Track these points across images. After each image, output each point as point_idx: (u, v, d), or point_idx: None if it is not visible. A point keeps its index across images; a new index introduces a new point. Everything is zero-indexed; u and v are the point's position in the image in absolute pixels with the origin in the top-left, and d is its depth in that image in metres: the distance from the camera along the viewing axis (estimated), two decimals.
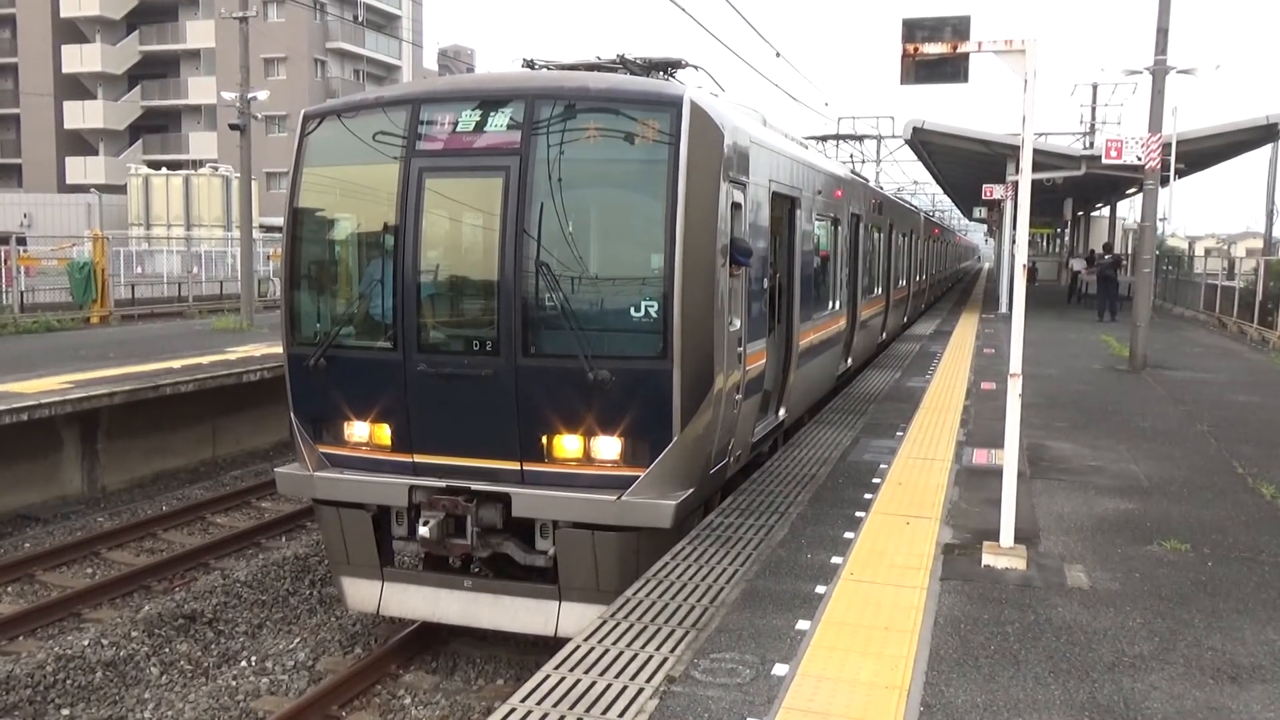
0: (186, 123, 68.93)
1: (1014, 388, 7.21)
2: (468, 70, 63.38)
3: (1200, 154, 28.34)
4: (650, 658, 5.53)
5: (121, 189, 52.32)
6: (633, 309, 7.55)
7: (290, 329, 8.47)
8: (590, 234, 7.80)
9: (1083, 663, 5.48)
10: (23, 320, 23.90)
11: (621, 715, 4.90)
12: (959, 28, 7.15)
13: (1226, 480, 9.67)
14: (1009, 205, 30.00)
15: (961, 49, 7.11)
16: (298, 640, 9.52)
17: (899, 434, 11.41)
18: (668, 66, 9.60)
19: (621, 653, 5.61)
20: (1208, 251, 46.59)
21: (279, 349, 8.64)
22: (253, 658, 9.18)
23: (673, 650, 5.60)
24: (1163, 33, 17.28)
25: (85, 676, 8.54)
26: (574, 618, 7.78)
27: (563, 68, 9.31)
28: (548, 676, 5.33)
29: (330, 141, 8.29)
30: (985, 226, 64.35)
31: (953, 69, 7.33)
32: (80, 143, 68.38)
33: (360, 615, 9.61)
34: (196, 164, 57.53)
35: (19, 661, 8.67)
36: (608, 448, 7.64)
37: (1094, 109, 46.88)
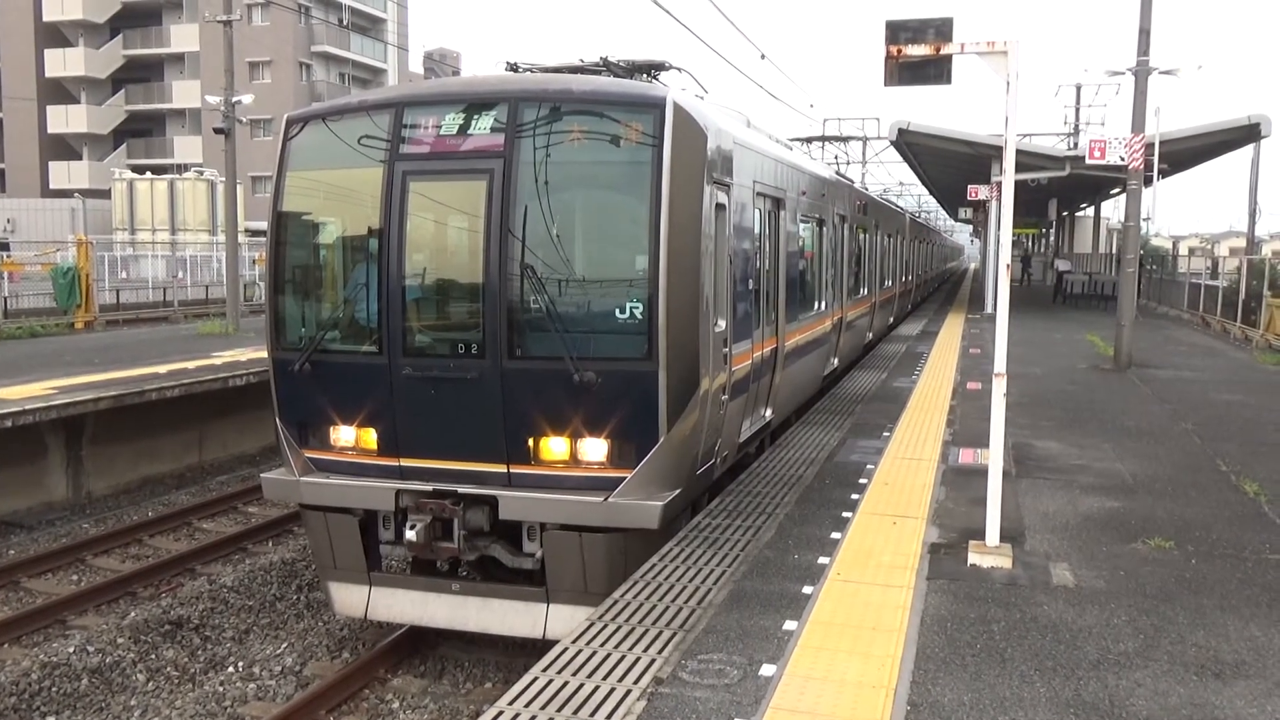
0: (171, 127, 68.66)
1: (999, 387, 7.24)
2: (453, 73, 63.29)
3: (1183, 154, 28.50)
4: (638, 659, 5.53)
5: (106, 193, 52.09)
6: (618, 311, 7.56)
7: (275, 333, 8.45)
8: (575, 236, 7.81)
9: (1068, 660, 5.51)
10: (6, 326, 23.76)
11: (609, 717, 4.90)
12: (942, 30, 7.19)
13: (1210, 478, 9.73)
14: (994, 206, 30.12)
15: (944, 51, 7.15)
16: (285, 645, 9.49)
17: (886, 434, 11.44)
18: (651, 69, 9.61)
19: (609, 654, 5.61)
20: (1191, 251, 46.85)
21: (265, 353, 8.61)
22: (240, 663, 9.14)
23: (660, 651, 5.61)
24: (1145, 34, 17.39)
25: (71, 684, 8.49)
26: (562, 620, 7.78)
27: (546, 70, 9.32)
28: (535, 679, 5.33)
29: (314, 145, 8.28)
30: (971, 227, 64.58)
31: (936, 71, 7.36)
32: (64, 147, 68.03)
33: (348, 620, 9.58)
34: (181, 168, 57.38)
35: (4, 669, 8.63)
36: (594, 449, 7.64)
37: (1078, 110, 47.15)
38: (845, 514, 8.20)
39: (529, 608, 8.03)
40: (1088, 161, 20.70)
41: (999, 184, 23.52)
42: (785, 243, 11.13)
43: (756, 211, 9.83)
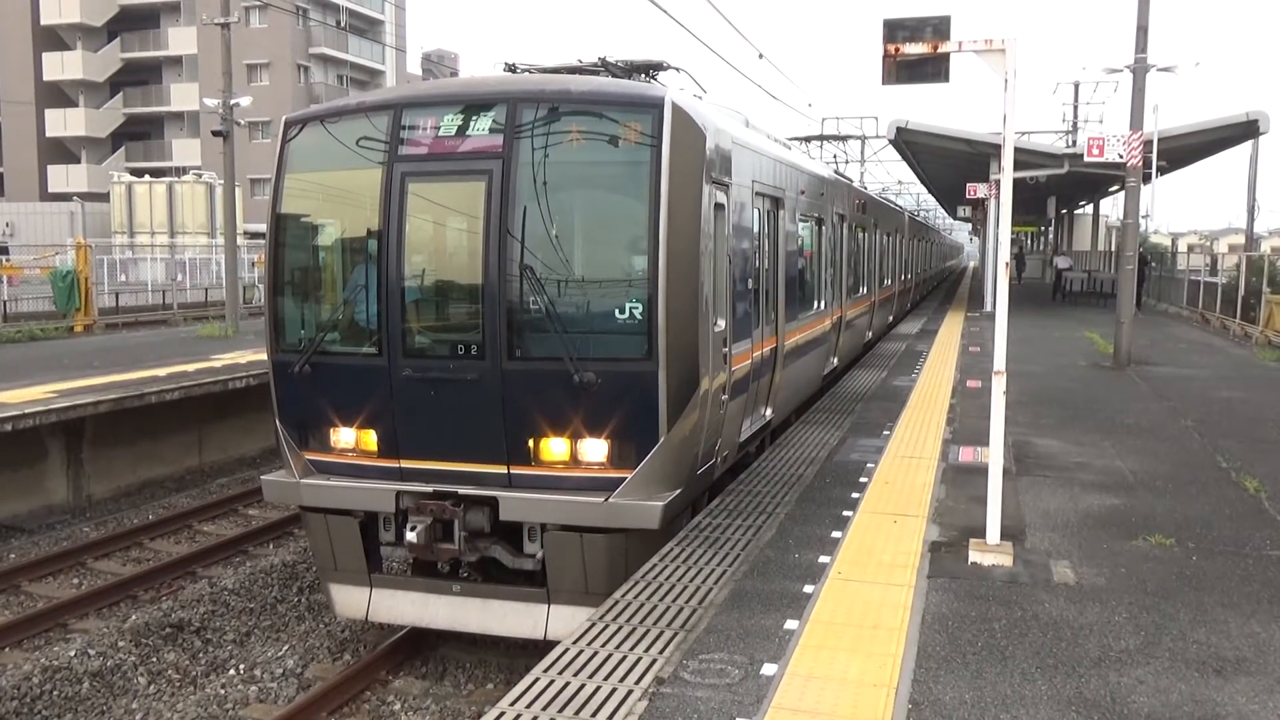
0: (169, 129, 68.65)
1: (998, 385, 7.24)
2: (451, 74, 63.31)
3: (1181, 151, 28.48)
4: (639, 659, 5.53)
5: (104, 197, 52.07)
6: (617, 311, 7.56)
7: (275, 335, 8.45)
8: (574, 237, 7.81)
9: (1069, 658, 5.51)
10: (5, 330, 23.76)
11: (611, 717, 4.90)
12: (939, 28, 7.19)
13: (1210, 475, 9.73)
14: (993, 204, 30.12)
15: (942, 49, 7.15)
16: (286, 648, 9.49)
17: (885, 433, 11.44)
18: (649, 69, 9.62)
19: (610, 654, 5.61)
20: (1190, 248, 46.87)
21: (264, 355, 8.61)
22: (241, 666, 9.14)
23: (661, 651, 5.61)
24: (1143, 31, 17.39)
25: (72, 687, 8.49)
26: (563, 620, 7.78)
27: (545, 70, 9.32)
28: (536, 679, 5.33)
29: (312, 147, 8.28)
30: (970, 225, 64.57)
31: (934, 69, 7.36)
32: (62, 150, 68.01)
33: (349, 621, 9.58)
34: (180, 171, 57.34)
35: (5, 673, 8.63)
36: (594, 450, 7.64)
37: (1076, 107, 47.15)
38: (846, 513, 8.20)
39: (530, 608, 8.03)
40: (1086, 159, 20.72)
41: (997, 182, 23.51)
42: (784, 242, 11.13)
43: (755, 211, 9.83)
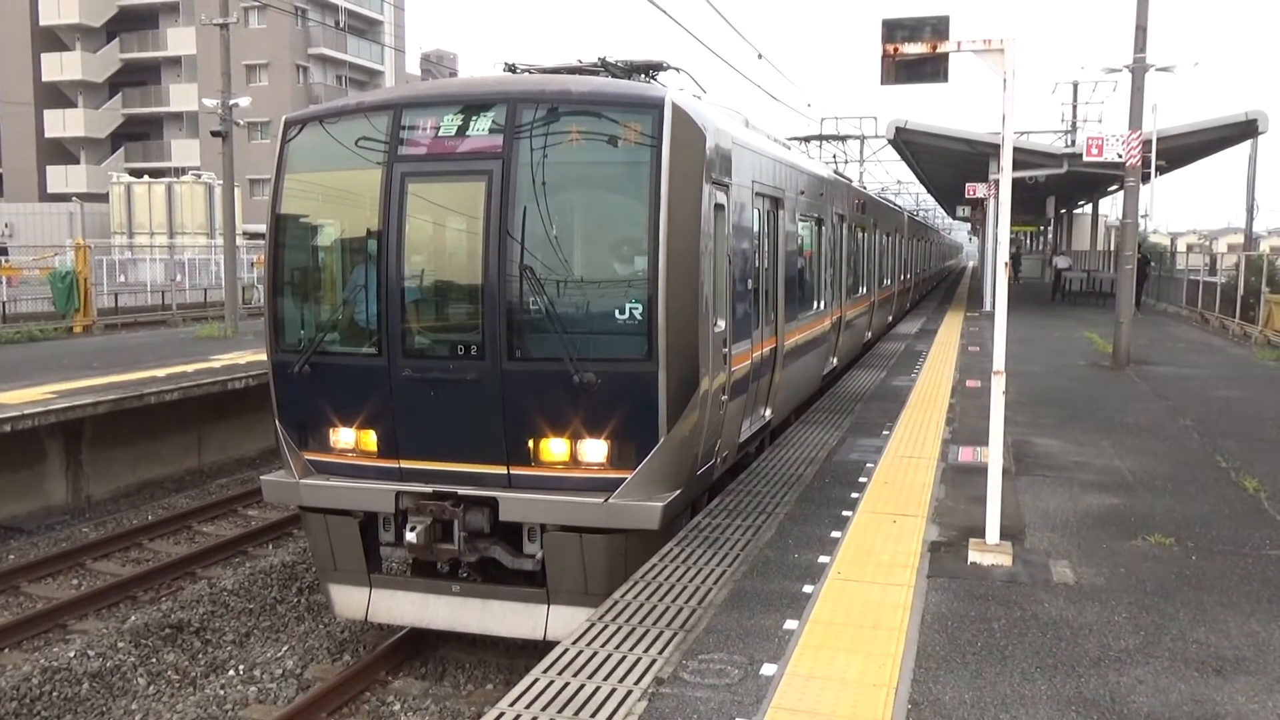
0: (168, 130, 68.65)
1: (998, 385, 7.24)
2: (450, 74, 63.28)
3: (1180, 150, 28.47)
4: (639, 660, 5.53)
5: (103, 197, 52.03)
6: (617, 311, 7.56)
7: (274, 335, 8.45)
8: (574, 237, 7.81)
9: (1069, 657, 5.51)
10: (5, 331, 23.75)
11: (610, 717, 4.90)
12: (938, 28, 7.19)
13: (1210, 474, 9.73)
14: (992, 204, 30.13)
15: (941, 49, 7.15)
16: (286, 648, 9.49)
17: (885, 433, 11.44)
18: (649, 69, 9.62)
19: (610, 655, 5.61)
20: (1189, 248, 46.88)
21: (264, 356, 8.61)
22: (241, 666, 9.14)
23: (661, 652, 5.61)
24: (1141, 30, 17.40)
25: (72, 688, 8.49)
26: (563, 621, 7.78)
27: (544, 71, 9.32)
28: (536, 680, 5.33)
29: (312, 147, 8.28)
30: (969, 225, 64.58)
31: (933, 69, 7.36)
32: (61, 151, 67.99)
33: (348, 622, 9.58)
34: (179, 171, 57.34)
35: (4, 674, 8.62)
36: (594, 450, 7.64)
37: (1075, 107, 47.17)
38: (845, 513, 8.20)
39: (529, 609, 8.03)
40: (1085, 159, 20.73)
41: (996, 182, 23.53)
42: (784, 242, 11.13)
43: (755, 211, 9.83)
